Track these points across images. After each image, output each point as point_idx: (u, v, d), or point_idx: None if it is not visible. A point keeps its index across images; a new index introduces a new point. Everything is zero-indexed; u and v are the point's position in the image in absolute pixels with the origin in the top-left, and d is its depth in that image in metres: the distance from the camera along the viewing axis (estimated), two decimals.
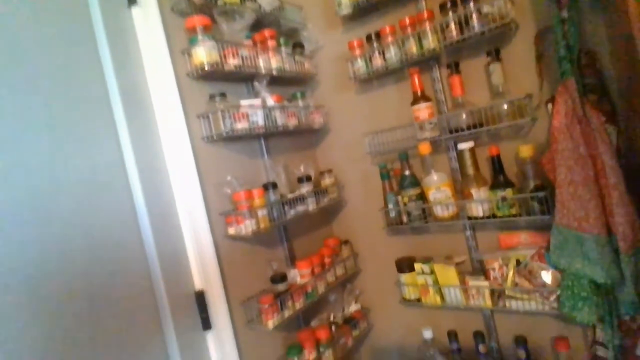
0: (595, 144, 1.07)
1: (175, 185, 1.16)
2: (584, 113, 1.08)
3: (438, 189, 1.33)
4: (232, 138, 1.35)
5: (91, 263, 0.92)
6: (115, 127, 1.05)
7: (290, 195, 1.42)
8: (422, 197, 1.39)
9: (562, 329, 1.26)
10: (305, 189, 1.48)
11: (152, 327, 1.03)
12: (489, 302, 1.26)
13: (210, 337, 1.17)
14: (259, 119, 1.31)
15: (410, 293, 1.44)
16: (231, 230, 1.24)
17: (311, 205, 1.47)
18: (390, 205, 1.47)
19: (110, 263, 0.95)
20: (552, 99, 1.13)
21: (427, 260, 1.42)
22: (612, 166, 1.04)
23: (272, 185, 1.33)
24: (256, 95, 1.39)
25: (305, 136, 1.74)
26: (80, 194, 0.93)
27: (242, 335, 1.24)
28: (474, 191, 1.26)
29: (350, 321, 1.57)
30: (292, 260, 1.48)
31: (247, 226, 1.20)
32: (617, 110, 1.12)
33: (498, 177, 1.22)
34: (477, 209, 1.26)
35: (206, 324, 1.15)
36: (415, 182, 1.40)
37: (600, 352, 1.15)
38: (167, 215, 1.13)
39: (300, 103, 1.57)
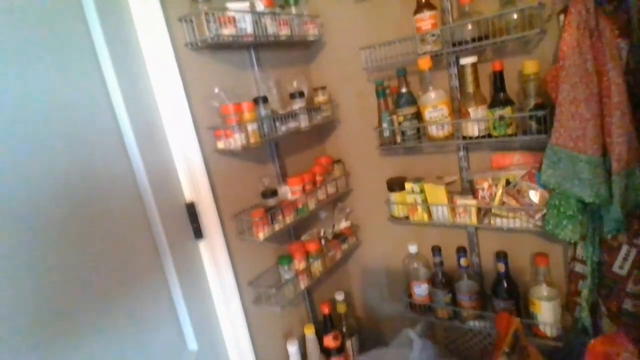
0: (603, 59, 1.01)
1: (159, 96, 1.11)
2: (597, 24, 1.00)
3: (435, 107, 1.28)
4: (219, 46, 1.26)
5: (77, 181, 0.88)
6: (88, 31, 0.96)
7: (282, 111, 1.37)
8: (418, 116, 1.35)
9: (543, 246, 1.31)
10: (298, 105, 1.43)
11: (143, 238, 1.04)
12: (474, 220, 1.29)
13: (202, 246, 1.20)
14: (247, 25, 1.21)
15: (399, 211, 1.47)
16: (220, 145, 1.21)
17: (303, 122, 1.43)
18: (385, 125, 1.43)
19: (96, 179, 0.92)
20: (565, 10, 1.04)
21: (418, 180, 1.42)
22: (618, 84, 0.99)
23: (262, 100, 1.27)
24: None
25: (299, 50, 1.64)
26: (57, 111, 0.86)
27: (234, 246, 1.29)
28: (471, 110, 1.22)
29: (339, 236, 1.63)
30: (284, 178, 1.48)
31: (236, 140, 1.18)
32: (632, 22, 1.04)
33: (498, 95, 1.17)
34: (473, 129, 1.23)
35: (198, 234, 1.18)
36: (412, 101, 1.35)
37: (578, 268, 1.21)
38: (152, 128, 1.09)
39: (294, 10, 1.44)
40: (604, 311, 1.17)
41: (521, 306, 1.30)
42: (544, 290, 1.23)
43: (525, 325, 1.24)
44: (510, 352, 1.11)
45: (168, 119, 1.12)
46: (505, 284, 1.28)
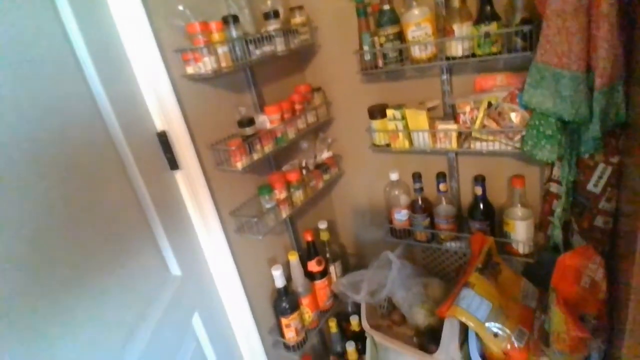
0: None
1: (116, 14, 1.00)
2: None
3: (418, 25, 1.21)
4: None
5: (33, 117, 0.80)
6: None
7: (255, 34, 1.27)
8: (400, 37, 1.28)
9: (520, 168, 1.33)
10: (273, 26, 1.33)
11: (113, 170, 0.98)
12: (454, 145, 1.28)
13: (179, 177, 1.18)
14: None
15: (381, 139, 1.45)
16: (189, 69, 1.13)
17: (280, 46, 1.34)
18: (366, 47, 1.36)
19: (53, 111, 0.83)
20: None
21: (399, 106, 1.38)
22: None
23: (233, 19, 1.18)
24: None
25: None
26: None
27: (212, 176, 1.27)
28: (456, 27, 1.15)
29: (321, 166, 1.62)
30: (261, 107, 1.43)
31: (206, 64, 1.10)
32: None
33: (484, 9, 1.10)
34: (457, 48, 1.17)
35: (173, 164, 1.14)
36: (394, 19, 1.26)
37: (553, 188, 1.23)
38: (112, 51, 0.99)
39: None
40: (575, 228, 1.22)
41: (496, 227, 1.35)
42: (518, 210, 1.27)
43: (499, 244, 1.29)
44: (483, 267, 1.16)
45: (129, 40, 1.03)
46: (482, 206, 1.31)
